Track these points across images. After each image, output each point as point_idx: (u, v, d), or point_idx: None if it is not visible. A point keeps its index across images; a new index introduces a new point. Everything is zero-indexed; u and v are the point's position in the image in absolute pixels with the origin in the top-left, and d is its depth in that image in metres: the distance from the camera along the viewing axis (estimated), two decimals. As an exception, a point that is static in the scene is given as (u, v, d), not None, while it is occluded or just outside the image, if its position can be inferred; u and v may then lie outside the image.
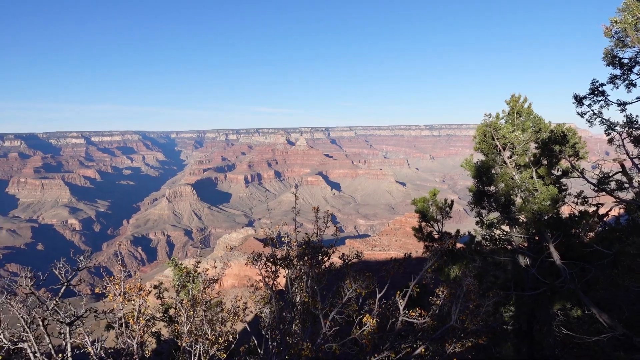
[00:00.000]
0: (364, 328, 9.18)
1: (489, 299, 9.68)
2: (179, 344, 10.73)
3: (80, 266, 7.28)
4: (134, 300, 9.42)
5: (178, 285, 20.44)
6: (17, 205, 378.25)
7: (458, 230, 19.64)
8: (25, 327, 6.41)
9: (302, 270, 10.64)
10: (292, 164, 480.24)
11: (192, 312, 10.95)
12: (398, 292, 9.97)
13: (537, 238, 19.18)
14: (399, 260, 10.94)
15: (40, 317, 6.59)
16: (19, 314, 6.46)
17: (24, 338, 6.40)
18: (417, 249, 19.55)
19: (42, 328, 6.46)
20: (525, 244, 19.73)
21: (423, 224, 21.47)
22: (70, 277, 7.16)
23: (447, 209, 21.39)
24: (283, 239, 11.62)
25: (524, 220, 19.19)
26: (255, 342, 10.25)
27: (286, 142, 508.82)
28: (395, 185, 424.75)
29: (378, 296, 10.01)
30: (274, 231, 12.27)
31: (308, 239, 10.94)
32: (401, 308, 9.86)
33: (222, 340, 10.27)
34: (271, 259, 10.59)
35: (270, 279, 10.61)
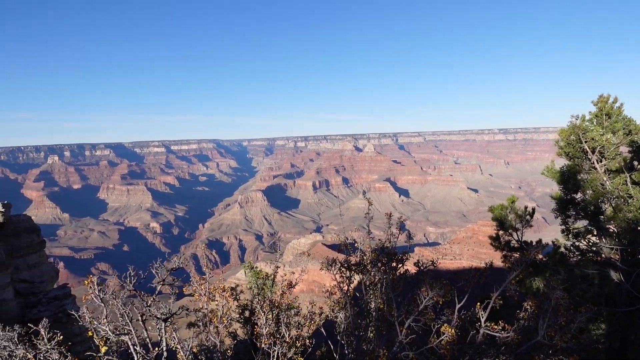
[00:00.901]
0: (442, 338, 8.93)
1: (581, 315, 8.99)
2: (258, 345, 11.08)
3: (174, 267, 7.84)
4: (217, 301, 9.92)
5: (254, 287, 21.16)
6: (107, 209, 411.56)
7: (540, 240, 18.56)
8: (127, 321, 7.03)
9: (377, 277, 10.57)
10: (359, 170, 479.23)
11: (270, 315, 11.28)
12: (478, 304, 9.58)
13: (630, 250, 17.61)
14: (479, 269, 10.53)
15: (139, 313, 7.20)
16: (123, 309, 7.10)
17: (125, 331, 7.04)
18: (491, 258, 18.62)
19: (140, 323, 7.07)
20: (617, 256, 18.19)
21: (501, 232, 20.56)
22: (164, 276, 7.73)
23: (528, 217, 20.33)
24: (356, 245, 11.63)
25: (616, 230, 17.72)
26: (332, 346, 10.33)
27: (354, 149, 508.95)
28: (466, 192, 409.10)
29: (457, 306, 9.69)
30: (343, 238, 12.33)
31: (382, 245, 10.88)
32: (482, 320, 9.47)
33: (299, 344, 10.48)
34: (345, 265, 10.64)
35: (345, 284, 10.66)
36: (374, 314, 10.29)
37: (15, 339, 8.55)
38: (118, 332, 7.01)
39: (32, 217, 49.46)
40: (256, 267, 24.74)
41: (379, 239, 11.07)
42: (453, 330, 8.79)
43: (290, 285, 11.87)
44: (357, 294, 10.98)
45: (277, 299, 11.91)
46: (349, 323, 10.31)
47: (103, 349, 6.84)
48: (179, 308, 7.95)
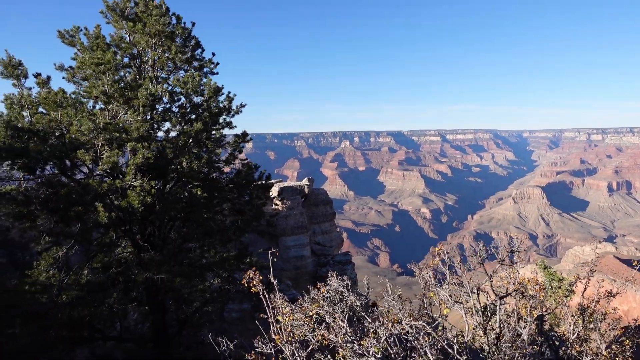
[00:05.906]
0: None
1: None
2: (573, 350, 10.39)
3: (514, 248, 8.19)
4: (527, 294, 9.72)
5: (548, 288, 19.81)
6: (384, 191, 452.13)
7: None
8: (467, 289, 7.82)
9: None
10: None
11: (580, 321, 10.40)
12: None
13: None
14: None
15: (475, 286, 7.89)
16: (466, 279, 7.93)
17: (458, 299, 7.87)
18: None
19: (474, 294, 7.76)
20: None
21: None
22: (508, 253, 8.19)
23: None
24: None
25: None
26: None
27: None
28: None
29: None
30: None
31: None
32: None
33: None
34: None
35: None
36: None
37: (347, 287, 10.46)
38: (455, 300, 7.84)
39: (327, 192, 59.29)
40: (550, 268, 23.04)
41: None
42: None
43: (610, 294, 10.53)
44: None
45: (592, 305, 10.80)
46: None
47: (445, 311, 7.79)
48: (514, 290, 8.24)
